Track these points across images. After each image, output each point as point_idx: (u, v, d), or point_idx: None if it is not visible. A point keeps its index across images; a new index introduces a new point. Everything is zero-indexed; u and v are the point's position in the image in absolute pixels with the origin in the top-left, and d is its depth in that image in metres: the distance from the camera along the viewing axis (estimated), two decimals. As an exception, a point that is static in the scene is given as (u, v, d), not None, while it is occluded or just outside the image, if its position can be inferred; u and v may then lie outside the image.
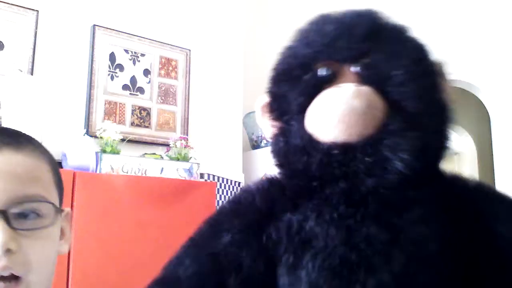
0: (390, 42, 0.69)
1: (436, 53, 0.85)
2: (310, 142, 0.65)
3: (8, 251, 0.49)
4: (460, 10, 3.65)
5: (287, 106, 0.70)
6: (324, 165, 0.63)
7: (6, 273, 0.49)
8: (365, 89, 0.64)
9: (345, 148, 0.62)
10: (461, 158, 8.34)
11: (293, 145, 0.67)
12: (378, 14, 0.72)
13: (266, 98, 0.76)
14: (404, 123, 0.63)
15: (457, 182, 0.71)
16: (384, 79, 0.65)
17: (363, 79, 0.65)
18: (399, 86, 0.65)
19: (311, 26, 0.74)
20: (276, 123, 0.72)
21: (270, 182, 0.75)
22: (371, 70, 0.66)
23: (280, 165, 0.73)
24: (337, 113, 0.63)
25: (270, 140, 0.74)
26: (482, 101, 3.70)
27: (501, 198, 0.69)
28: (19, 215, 0.51)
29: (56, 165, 0.60)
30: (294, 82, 0.69)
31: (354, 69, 0.67)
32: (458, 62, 3.57)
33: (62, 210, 0.57)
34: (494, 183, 3.59)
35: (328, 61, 0.68)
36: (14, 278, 0.50)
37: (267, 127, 0.75)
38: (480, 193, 0.69)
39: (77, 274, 1.51)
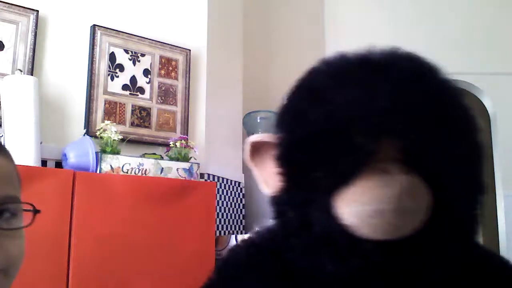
0: (449, 122, 0.54)
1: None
2: (344, 237, 0.53)
3: None
4: (460, 10, 3.65)
5: (309, 177, 0.55)
6: (361, 268, 0.53)
7: None
8: (417, 182, 0.52)
9: (389, 250, 0.53)
10: (461, 158, 8.32)
11: (315, 231, 0.55)
12: (440, 77, 0.57)
13: (267, 138, 0.64)
14: (449, 226, 0.54)
15: (493, 263, 0.65)
16: (436, 170, 0.53)
17: (409, 161, 0.52)
18: (453, 185, 0.54)
19: (352, 77, 0.55)
20: (288, 193, 0.58)
21: (269, 255, 0.63)
22: (421, 153, 0.52)
23: (286, 239, 0.59)
24: (386, 215, 0.52)
25: (271, 193, 0.61)
26: (482, 101, 3.70)
27: None
28: None
29: (15, 164, 0.61)
30: (323, 150, 0.54)
31: (398, 144, 0.52)
32: (458, 62, 3.57)
33: (38, 211, 0.59)
34: (494, 183, 3.59)
35: (370, 131, 0.52)
36: None
37: (266, 172, 0.63)
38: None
39: (77, 274, 1.51)
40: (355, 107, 0.52)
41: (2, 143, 0.62)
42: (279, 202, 0.60)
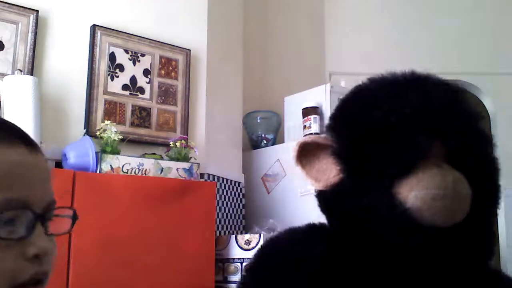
0: (479, 129, 0.69)
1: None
2: (408, 220, 0.62)
3: (47, 256, 0.50)
4: (460, 10, 3.65)
5: (372, 165, 0.64)
6: (424, 248, 0.62)
7: (42, 277, 0.50)
8: (461, 175, 0.64)
9: (444, 234, 0.62)
10: (461, 158, 8.33)
11: (379, 216, 0.63)
12: (464, 94, 0.71)
13: (315, 139, 0.72)
14: (483, 216, 0.65)
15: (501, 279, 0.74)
16: (471, 164, 0.65)
17: (453, 158, 0.64)
18: (487, 180, 0.66)
19: (416, 89, 0.68)
20: (349, 181, 0.67)
21: (331, 245, 0.69)
22: (460, 151, 0.65)
23: (341, 227, 0.68)
24: (445, 197, 0.62)
25: (327, 191, 0.69)
26: (482, 101, 3.70)
27: None
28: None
29: None
30: (386, 144, 0.64)
31: (444, 145, 0.65)
32: (459, 62, 3.57)
33: (77, 217, 0.57)
34: (494, 183, 3.59)
35: (428, 131, 0.64)
36: (38, 282, 0.50)
37: (318, 174, 0.71)
38: None
39: (77, 274, 1.51)
40: (417, 109, 0.64)
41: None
42: (337, 193, 0.68)
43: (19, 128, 0.53)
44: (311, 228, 0.74)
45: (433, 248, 0.62)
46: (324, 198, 0.71)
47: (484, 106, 3.69)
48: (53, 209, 0.53)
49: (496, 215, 0.69)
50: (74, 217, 0.56)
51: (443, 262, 0.62)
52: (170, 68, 2.24)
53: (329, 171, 0.69)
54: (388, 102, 0.66)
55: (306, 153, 0.72)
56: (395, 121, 0.64)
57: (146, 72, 2.16)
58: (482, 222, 0.65)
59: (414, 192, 0.62)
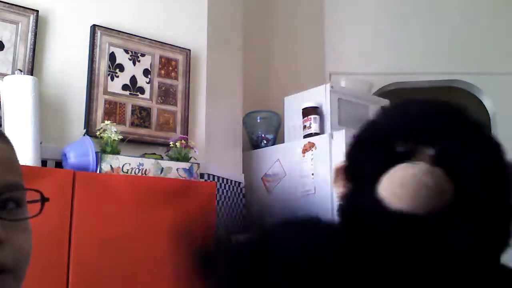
0: (467, 134, 0.76)
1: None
2: (381, 207, 0.72)
3: (3, 245, 0.46)
4: (460, 10, 3.65)
5: (362, 172, 0.78)
6: (392, 229, 0.70)
7: None
8: (437, 170, 0.71)
9: (412, 218, 0.69)
10: (461, 158, 8.33)
11: (363, 206, 0.75)
12: (461, 108, 0.79)
13: (343, 162, 0.84)
14: (468, 209, 0.70)
15: None
16: (455, 166, 0.72)
17: (436, 161, 0.73)
18: (469, 175, 0.71)
19: (397, 107, 0.84)
20: (350, 185, 0.80)
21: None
22: (444, 155, 0.73)
23: (347, 222, 0.79)
24: (409, 185, 0.70)
25: (340, 199, 0.82)
26: (482, 101, 3.70)
27: None
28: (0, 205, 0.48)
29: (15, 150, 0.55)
30: (373, 153, 0.78)
31: (429, 151, 0.74)
32: (459, 62, 3.57)
33: (47, 199, 0.52)
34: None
35: (407, 140, 0.75)
36: (0, 272, 0.46)
37: (340, 188, 0.83)
38: None
39: (77, 274, 1.51)
40: (395, 125, 0.78)
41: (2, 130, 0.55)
42: (345, 201, 0.79)
43: None
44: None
45: (405, 231, 0.69)
46: (339, 208, 0.82)
47: (484, 106, 3.70)
48: (9, 193, 0.48)
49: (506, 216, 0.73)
50: (43, 200, 0.51)
51: (422, 245, 0.69)
52: (170, 68, 2.24)
53: None
54: (379, 121, 0.82)
55: (340, 175, 0.85)
56: (378, 134, 0.79)
57: (146, 72, 2.16)
58: (469, 215, 0.69)
59: (384, 183, 0.73)
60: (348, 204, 0.79)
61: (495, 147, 0.77)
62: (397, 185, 0.71)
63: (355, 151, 0.82)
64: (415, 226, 0.69)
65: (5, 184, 0.48)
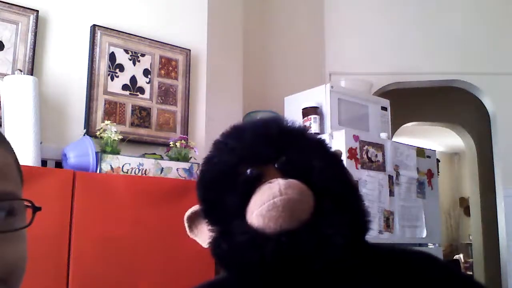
0: (298, 141, 0.80)
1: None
2: (258, 235, 0.72)
3: None
4: (460, 10, 3.65)
5: (224, 209, 0.77)
6: (277, 252, 0.70)
7: None
8: (293, 180, 0.73)
9: (291, 234, 0.70)
10: (461, 158, 8.34)
11: (240, 243, 0.73)
12: (283, 120, 0.83)
13: (195, 208, 0.85)
14: (332, 203, 0.73)
15: (385, 252, 0.82)
16: (303, 171, 0.75)
17: (286, 173, 0.75)
18: (319, 174, 0.76)
19: (228, 137, 0.84)
20: (215, 228, 0.78)
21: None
22: (289, 165, 0.76)
23: (226, 266, 0.79)
24: (276, 204, 0.71)
25: (208, 246, 0.80)
26: (482, 101, 3.70)
27: (431, 262, 0.81)
28: None
29: (16, 156, 0.54)
30: (227, 186, 0.77)
31: (276, 166, 0.77)
32: (459, 62, 3.57)
33: (39, 208, 0.51)
34: (494, 183, 3.59)
35: (252, 163, 0.77)
36: None
37: (203, 235, 0.83)
38: (415, 261, 0.81)
39: (77, 274, 1.51)
40: (236, 150, 0.78)
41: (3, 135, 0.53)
42: (212, 243, 0.78)
43: None
44: (209, 284, 0.86)
45: (287, 249, 0.70)
46: (212, 254, 0.80)
47: (484, 106, 3.70)
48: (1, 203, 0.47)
49: (362, 212, 0.78)
50: (34, 209, 0.50)
51: (305, 257, 0.70)
52: (170, 68, 2.24)
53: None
54: (218, 155, 0.82)
55: (193, 223, 0.87)
56: (224, 167, 0.78)
57: (146, 72, 2.16)
58: (331, 213, 0.72)
59: (254, 212, 0.73)
60: (221, 247, 0.76)
61: (322, 144, 0.83)
62: (267, 208, 0.71)
63: (206, 192, 0.82)
64: (296, 241, 0.70)
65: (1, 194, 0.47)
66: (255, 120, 0.89)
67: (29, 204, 0.50)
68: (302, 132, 0.83)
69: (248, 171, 0.76)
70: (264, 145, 0.78)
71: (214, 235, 0.78)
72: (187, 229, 0.87)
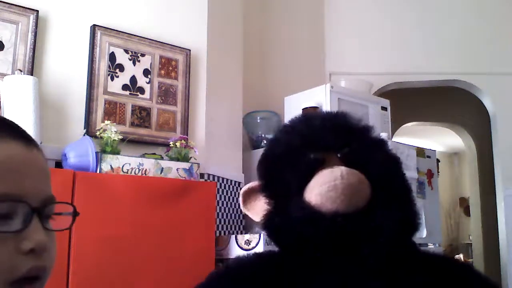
0: (363, 136, 0.86)
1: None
2: (315, 213, 0.76)
3: (45, 251, 0.49)
4: (460, 10, 3.65)
5: (284, 186, 0.82)
6: (331, 232, 0.74)
7: (39, 273, 0.49)
8: (353, 170, 0.79)
9: (347, 217, 0.75)
10: (461, 158, 8.34)
11: (296, 218, 0.77)
12: (351, 115, 0.89)
13: (252, 184, 0.89)
14: (386, 197, 0.78)
15: (429, 256, 0.85)
16: (364, 163, 0.81)
17: (347, 163, 0.80)
18: (378, 168, 0.81)
19: (301, 121, 0.89)
20: (272, 202, 0.83)
21: (268, 257, 0.84)
22: (352, 156, 0.82)
23: (278, 240, 0.83)
24: (337, 186, 0.76)
25: (263, 219, 0.84)
26: (482, 101, 3.70)
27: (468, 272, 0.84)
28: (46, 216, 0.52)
29: None
30: (290, 165, 0.82)
31: (338, 155, 0.82)
32: (459, 62, 3.57)
33: (77, 214, 0.56)
34: (494, 183, 3.59)
35: (317, 148, 0.82)
36: (36, 278, 0.49)
37: (256, 210, 0.87)
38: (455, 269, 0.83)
39: (77, 274, 1.51)
40: (305, 136, 0.84)
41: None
42: (268, 218, 0.82)
43: (17, 125, 0.54)
44: (258, 255, 0.88)
45: (340, 230, 0.74)
46: (265, 228, 0.84)
47: (484, 106, 3.70)
48: (51, 205, 0.52)
49: (403, 196, 0.82)
50: (75, 214, 0.55)
51: (356, 241, 0.74)
52: (170, 68, 2.24)
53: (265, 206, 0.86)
54: (285, 137, 0.87)
55: (249, 198, 0.90)
56: (289, 148, 0.84)
57: (146, 72, 2.16)
58: (387, 206, 0.76)
59: (314, 191, 0.78)
60: (275, 221, 0.80)
61: (384, 143, 0.89)
62: (327, 189, 0.76)
63: (269, 169, 0.86)
64: (350, 224, 0.74)
65: (49, 196, 0.52)
66: (326, 111, 0.95)
67: (71, 209, 0.54)
68: (367, 129, 0.88)
69: (312, 155, 0.81)
70: (331, 133, 0.83)
71: (269, 209, 0.82)
72: (241, 204, 0.91)
